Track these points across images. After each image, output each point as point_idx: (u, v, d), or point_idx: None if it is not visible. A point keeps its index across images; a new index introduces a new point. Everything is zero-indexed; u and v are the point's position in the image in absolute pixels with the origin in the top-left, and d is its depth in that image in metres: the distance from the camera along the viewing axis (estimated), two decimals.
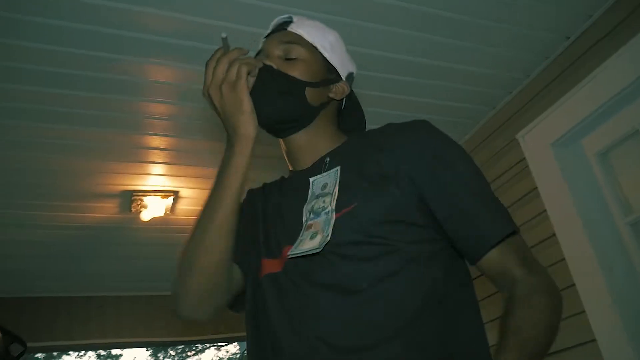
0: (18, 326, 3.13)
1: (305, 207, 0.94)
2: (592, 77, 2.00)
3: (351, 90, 1.09)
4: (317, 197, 0.93)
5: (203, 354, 13.14)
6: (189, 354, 13.09)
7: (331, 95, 1.04)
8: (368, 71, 2.16)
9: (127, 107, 2.21)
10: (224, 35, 0.95)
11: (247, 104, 0.92)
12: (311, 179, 0.97)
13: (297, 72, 0.98)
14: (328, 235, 0.85)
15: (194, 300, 0.95)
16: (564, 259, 2.08)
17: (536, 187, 2.22)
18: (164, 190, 2.81)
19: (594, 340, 1.92)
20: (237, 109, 0.92)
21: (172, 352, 13.04)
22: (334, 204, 0.89)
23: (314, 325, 0.83)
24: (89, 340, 3.78)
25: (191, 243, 0.94)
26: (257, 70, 0.96)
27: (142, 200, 2.81)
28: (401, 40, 2.03)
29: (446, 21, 1.96)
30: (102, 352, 12.36)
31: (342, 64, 1.07)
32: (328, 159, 0.98)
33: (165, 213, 2.90)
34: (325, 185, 0.94)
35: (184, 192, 2.84)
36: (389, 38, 2.01)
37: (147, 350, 12.27)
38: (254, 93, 0.94)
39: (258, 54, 1.05)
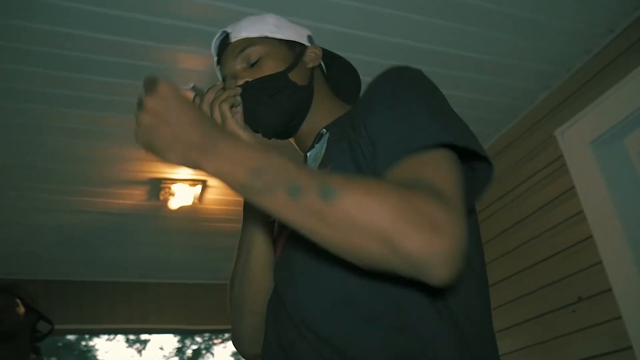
0: (48, 308, 3.18)
1: None
2: (637, 72, 1.90)
3: (323, 49, 1.06)
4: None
5: (229, 342, 13.28)
6: (215, 341, 13.23)
7: (310, 65, 1.00)
8: (401, 62, 2.10)
9: None
10: (190, 85, 0.94)
11: (244, 136, 0.90)
12: (308, 153, 0.96)
13: (270, 68, 0.95)
14: None
15: (254, 339, 0.95)
16: (600, 262, 2.00)
17: (573, 187, 2.14)
18: (193, 179, 2.81)
19: (630, 347, 1.84)
20: None
21: (199, 339, 13.20)
22: (316, 167, 0.87)
23: (294, 307, 0.80)
24: (116, 324, 3.84)
25: (235, 284, 0.95)
26: (238, 97, 0.93)
27: (170, 188, 2.81)
28: (436, 31, 1.97)
29: (484, 12, 1.89)
30: (132, 337, 12.59)
31: (297, 34, 1.03)
32: (324, 130, 0.94)
33: (194, 202, 2.91)
34: (317, 155, 0.92)
35: (212, 181, 2.84)
36: (423, 29, 1.95)
37: (174, 336, 12.45)
38: (250, 115, 0.93)
39: (223, 80, 1.01)
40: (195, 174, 2.78)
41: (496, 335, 0.79)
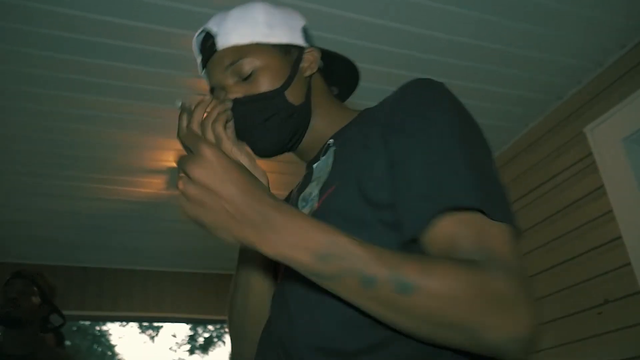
0: (66, 294, 3.19)
1: (300, 196, 0.85)
2: None
3: (320, 49, 0.92)
4: (311, 182, 0.85)
5: None
6: (226, 329, 13.34)
7: (307, 73, 0.89)
8: (430, 55, 2.06)
9: (181, 82, 2.18)
10: (178, 103, 0.85)
11: (240, 158, 0.82)
12: (314, 165, 0.88)
13: (264, 85, 0.85)
14: None
15: None
16: (629, 264, 1.94)
17: (603, 185, 2.08)
18: None
19: None
20: None
21: (211, 327, 13.30)
22: (317, 189, 0.81)
23: (284, 330, 0.76)
24: (132, 312, 3.86)
25: (234, 315, 0.91)
26: (230, 112, 0.84)
27: None
28: (463, 21, 1.91)
29: (513, 3, 1.84)
30: (145, 323, 12.73)
31: (291, 31, 0.90)
32: (332, 141, 0.87)
33: None
34: (322, 169, 0.84)
35: None
36: (449, 19, 1.90)
37: (187, 324, 12.57)
38: (242, 137, 0.85)
39: (212, 91, 0.91)
40: None
41: None
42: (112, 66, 2.05)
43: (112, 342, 13.43)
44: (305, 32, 0.93)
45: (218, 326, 13.14)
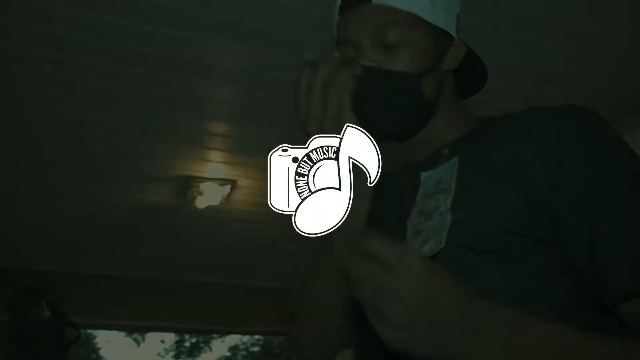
0: (66, 301, 3.10)
1: (414, 208, 0.77)
2: None
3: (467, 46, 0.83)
4: (429, 195, 0.76)
5: (227, 337, 13.27)
6: (213, 335, 13.25)
7: (446, 68, 0.80)
8: None
9: (194, 90, 2.13)
10: (309, 57, 0.74)
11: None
12: (423, 174, 0.79)
13: (403, 63, 0.75)
14: (441, 241, 0.69)
15: (314, 349, 0.89)
16: None
17: None
18: (222, 179, 2.72)
19: None
20: None
21: None
22: (449, 203, 0.72)
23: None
24: (128, 321, 3.80)
25: (303, 314, 0.86)
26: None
27: (198, 187, 2.72)
28: (496, 39, 1.89)
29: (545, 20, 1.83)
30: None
31: (448, 16, 0.79)
32: (447, 151, 0.79)
33: (221, 202, 2.82)
34: (439, 182, 0.76)
35: (242, 182, 2.75)
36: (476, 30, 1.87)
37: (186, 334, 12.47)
38: (357, 107, 0.72)
39: (338, 43, 0.80)
40: (226, 174, 2.70)
41: None
42: (128, 72, 1.99)
43: (98, 346, 13.26)
44: (458, 21, 0.83)
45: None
